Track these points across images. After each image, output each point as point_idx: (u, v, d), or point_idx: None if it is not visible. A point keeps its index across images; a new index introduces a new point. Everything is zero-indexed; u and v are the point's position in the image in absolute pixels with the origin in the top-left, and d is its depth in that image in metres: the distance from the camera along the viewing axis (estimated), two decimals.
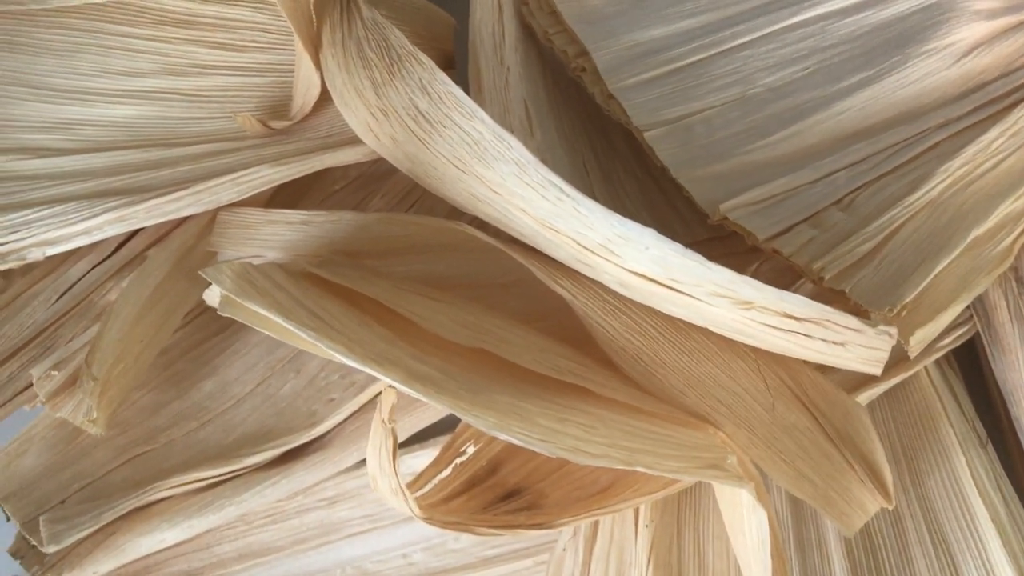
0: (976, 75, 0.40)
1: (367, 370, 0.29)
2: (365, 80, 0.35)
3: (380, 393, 0.30)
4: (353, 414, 0.39)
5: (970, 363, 0.40)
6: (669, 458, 0.30)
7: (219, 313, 0.30)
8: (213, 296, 0.32)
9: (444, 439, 0.36)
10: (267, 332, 0.31)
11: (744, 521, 0.30)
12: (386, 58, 0.34)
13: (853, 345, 0.29)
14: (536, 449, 0.28)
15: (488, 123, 0.31)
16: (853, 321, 0.28)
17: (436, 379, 0.30)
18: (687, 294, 0.30)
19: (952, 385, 0.38)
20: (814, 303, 0.28)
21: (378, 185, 0.43)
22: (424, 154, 0.34)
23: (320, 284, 0.34)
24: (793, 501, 0.37)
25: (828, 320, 0.28)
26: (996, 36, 0.41)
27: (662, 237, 0.28)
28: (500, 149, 0.31)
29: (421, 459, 0.39)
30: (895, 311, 0.32)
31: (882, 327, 0.28)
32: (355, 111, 0.36)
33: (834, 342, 0.29)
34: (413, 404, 0.38)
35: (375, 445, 0.30)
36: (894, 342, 0.29)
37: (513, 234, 0.34)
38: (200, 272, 0.30)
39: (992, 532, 0.35)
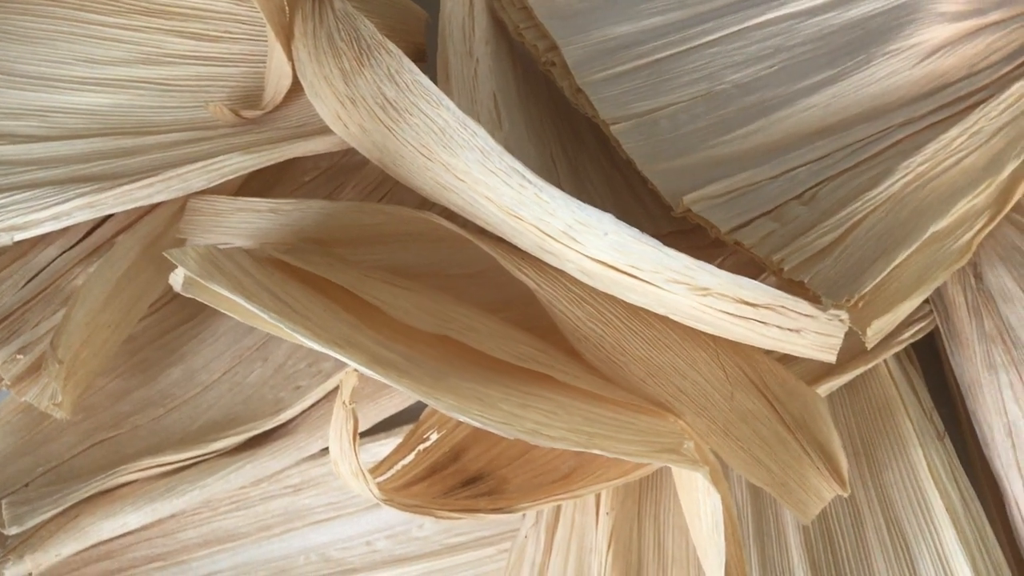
0: (939, 76, 0.41)
1: (330, 352, 0.29)
2: (335, 69, 0.35)
3: (340, 381, 0.31)
4: (319, 401, 0.39)
5: (929, 357, 0.40)
6: (627, 442, 0.30)
7: (182, 294, 0.30)
8: (178, 279, 0.32)
9: (408, 428, 0.36)
10: (231, 314, 0.31)
11: (700, 505, 0.30)
12: (355, 47, 0.35)
13: (808, 332, 0.30)
14: (496, 431, 0.28)
15: (453, 111, 0.31)
16: (805, 307, 0.29)
17: (399, 364, 0.30)
18: (646, 281, 0.30)
19: (911, 379, 0.39)
20: (769, 288, 0.29)
21: (348, 176, 0.43)
22: (391, 142, 0.34)
23: (286, 270, 0.34)
24: (753, 491, 0.37)
25: (782, 306, 0.29)
26: (960, 38, 0.41)
27: (620, 223, 0.29)
28: (465, 136, 0.31)
29: (385, 447, 0.39)
30: (852, 301, 0.32)
31: (833, 311, 0.29)
32: (325, 100, 0.36)
33: (789, 328, 0.30)
34: (377, 392, 0.39)
35: (336, 428, 0.30)
36: (846, 328, 0.29)
37: (479, 223, 0.34)
38: (165, 253, 0.30)
39: (947, 523, 0.36)
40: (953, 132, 0.38)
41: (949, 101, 0.40)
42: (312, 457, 0.39)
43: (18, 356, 0.38)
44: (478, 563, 0.38)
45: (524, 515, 0.37)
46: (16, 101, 0.42)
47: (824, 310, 0.28)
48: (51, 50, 0.42)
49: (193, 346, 0.41)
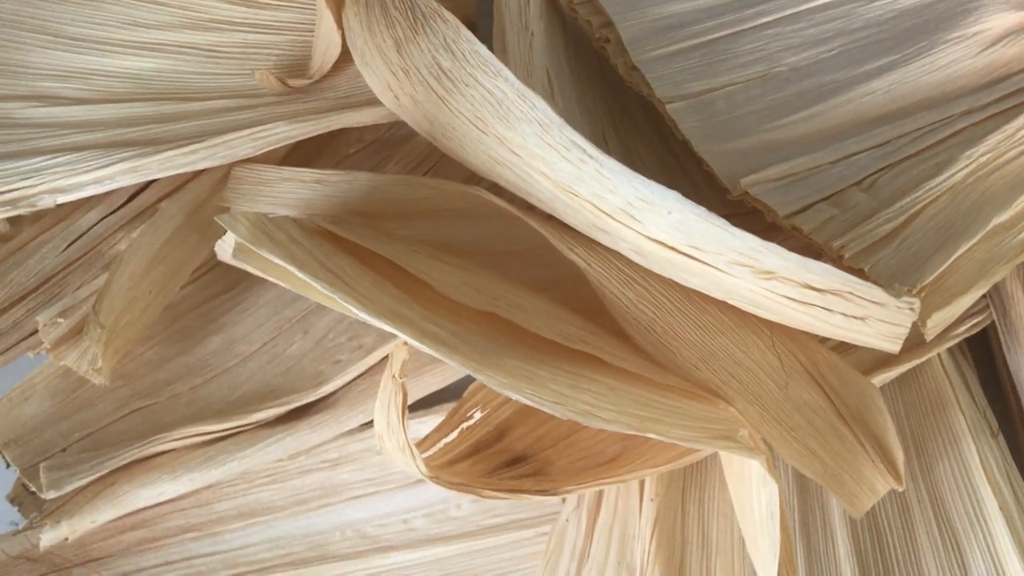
0: (1003, 65, 0.40)
1: (381, 324, 0.28)
2: (388, 39, 0.34)
3: (389, 354, 0.30)
4: (359, 376, 0.39)
5: (983, 353, 0.39)
6: (680, 427, 0.29)
7: (232, 261, 0.29)
8: (226, 247, 0.31)
9: (450, 406, 0.36)
10: (280, 282, 0.31)
11: (752, 494, 0.30)
12: (410, 16, 0.34)
13: (873, 320, 0.29)
14: (547, 410, 0.27)
15: (513, 82, 0.31)
16: (877, 293, 0.28)
17: (447, 339, 0.30)
18: (706, 263, 0.29)
19: (964, 374, 0.38)
20: (839, 272, 0.28)
21: (393, 151, 0.43)
22: (444, 114, 0.33)
23: (334, 241, 0.34)
24: (800, 483, 0.37)
25: (851, 292, 0.28)
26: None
27: (686, 200, 0.28)
28: (524, 109, 0.31)
29: (426, 426, 0.38)
30: (914, 292, 0.32)
31: (905, 298, 0.28)
32: (376, 70, 0.35)
33: (854, 316, 0.29)
34: (420, 369, 0.38)
35: (383, 402, 0.30)
36: (915, 317, 0.28)
37: (530, 200, 0.33)
38: (216, 218, 0.29)
39: (1000, 521, 0.35)
40: (1016, 123, 0.37)
41: (1012, 91, 0.39)
42: (351, 432, 0.39)
43: (59, 320, 0.37)
44: (516, 545, 0.38)
45: (565, 499, 0.36)
46: (60, 63, 0.41)
47: (896, 296, 0.28)
48: (96, 12, 0.42)
49: (233, 316, 0.41)
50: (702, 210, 0.28)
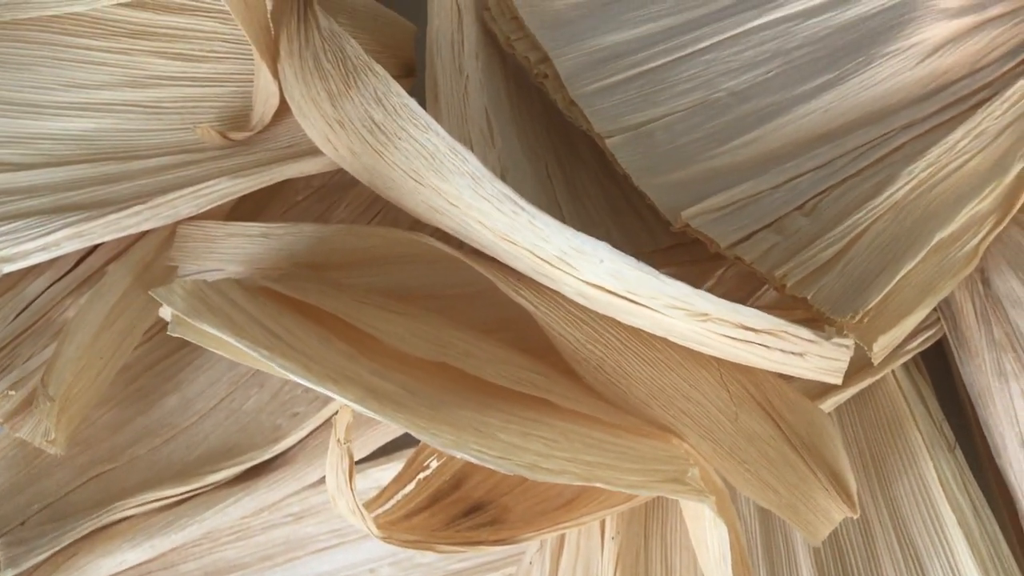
0: (941, 74, 0.40)
1: (322, 390, 0.28)
2: (322, 91, 0.34)
3: (334, 417, 0.30)
4: (317, 428, 0.39)
5: (939, 365, 0.39)
6: (630, 472, 0.29)
7: (168, 334, 0.29)
8: (169, 313, 0.31)
9: (411, 451, 0.36)
10: (220, 352, 0.30)
11: (706, 534, 0.30)
12: (342, 69, 0.34)
13: (811, 356, 0.29)
14: (493, 467, 0.27)
15: (442, 135, 0.31)
16: (808, 334, 0.28)
17: (396, 395, 0.30)
18: (645, 305, 0.29)
19: (920, 388, 0.38)
20: (769, 316, 0.28)
21: (341, 195, 0.43)
22: (381, 166, 0.33)
23: (279, 299, 0.33)
24: (762, 510, 0.37)
25: (783, 332, 0.28)
26: (961, 35, 0.40)
27: (616, 251, 0.28)
28: (455, 162, 0.31)
29: (389, 472, 0.38)
30: (857, 317, 0.32)
31: (837, 340, 0.28)
32: (313, 122, 0.35)
33: (792, 352, 0.29)
34: (373, 421, 0.38)
35: (332, 465, 0.30)
36: (851, 353, 0.28)
37: (474, 245, 0.33)
38: (151, 292, 0.29)
39: (960, 537, 0.35)
40: (957, 134, 0.37)
41: (952, 101, 0.39)
42: (312, 485, 0.38)
43: (10, 392, 0.37)
44: None
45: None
46: (1, 128, 0.41)
47: (828, 337, 0.28)
48: (35, 75, 0.42)
49: (189, 372, 0.41)
50: (632, 259, 0.28)
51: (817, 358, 0.29)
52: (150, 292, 0.29)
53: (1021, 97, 0.38)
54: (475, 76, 0.38)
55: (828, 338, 0.28)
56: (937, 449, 0.37)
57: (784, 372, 0.30)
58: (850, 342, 0.28)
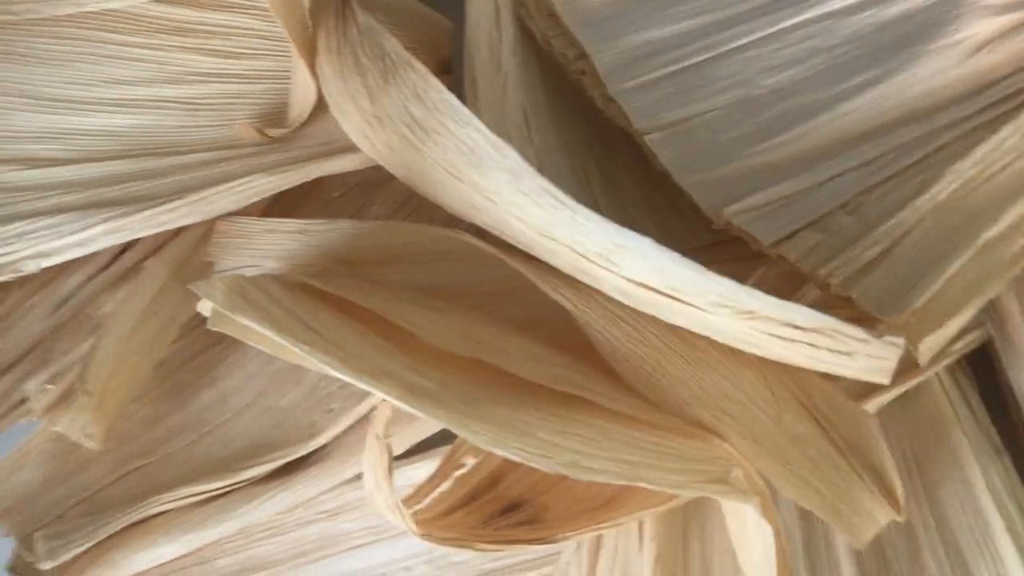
0: (986, 72, 0.39)
1: (361, 384, 0.28)
2: (360, 87, 0.34)
3: (374, 410, 0.30)
4: (353, 424, 0.38)
5: (985, 366, 0.38)
6: (672, 472, 0.29)
7: (208, 327, 0.29)
8: (208, 307, 0.31)
9: (446, 449, 0.36)
10: (260, 347, 0.30)
11: (749, 535, 0.29)
12: (380, 64, 0.34)
13: (860, 355, 0.28)
14: (534, 465, 0.27)
15: (483, 131, 0.30)
16: (858, 332, 0.27)
17: (433, 392, 0.30)
18: (688, 303, 0.29)
19: (964, 391, 0.37)
20: (818, 314, 0.27)
21: (377, 191, 0.42)
22: (420, 162, 0.33)
23: (316, 295, 0.33)
24: (803, 512, 0.36)
25: (833, 330, 0.28)
26: (1007, 32, 0.40)
27: (660, 246, 0.28)
28: (495, 157, 0.30)
29: (423, 470, 0.38)
30: (904, 317, 0.31)
31: (888, 337, 0.27)
32: (351, 119, 0.35)
33: (840, 352, 0.28)
34: (415, 415, 0.38)
35: (370, 461, 0.30)
36: (901, 352, 0.28)
37: (511, 242, 0.33)
38: (190, 286, 0.29)
39: (1007, 542, 0.34)
40: (1004, 132, 0.36)
41: (998, 99, 0.39)
42: (348, 481, 0.38)
43: (48, 386, 0.37)
44: None
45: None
46: (39, 124, 0.41)
47: (879, 336, 0.27)
48: (74, 72, 0.42)
49: (225, 368, 0.41)
50: (676, 255, 0.28)
51: (866, 358, 0.28)
52: (190, 286, 0.29)
53: None
54: (513, 73, 0.38)
55: (878, 337, 0.27)
56: (983, 453, 0.36)
57: (831, 371, 0.29)
58: (901, 340, 0.27)
